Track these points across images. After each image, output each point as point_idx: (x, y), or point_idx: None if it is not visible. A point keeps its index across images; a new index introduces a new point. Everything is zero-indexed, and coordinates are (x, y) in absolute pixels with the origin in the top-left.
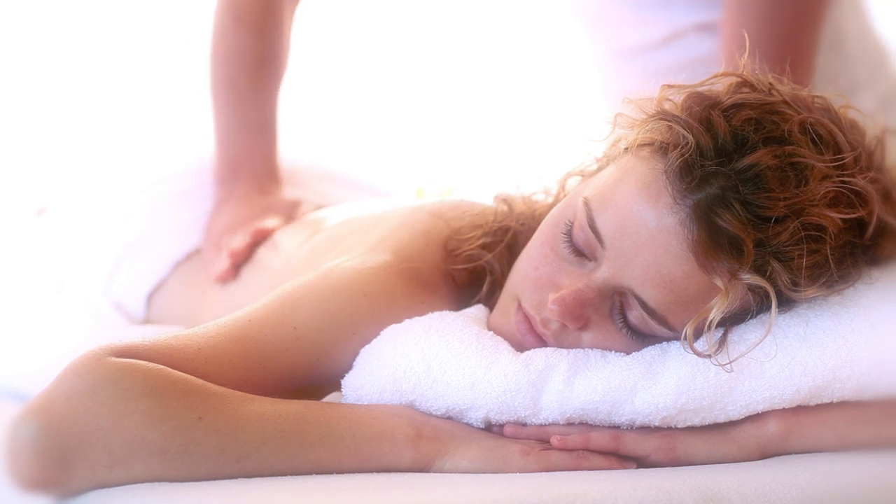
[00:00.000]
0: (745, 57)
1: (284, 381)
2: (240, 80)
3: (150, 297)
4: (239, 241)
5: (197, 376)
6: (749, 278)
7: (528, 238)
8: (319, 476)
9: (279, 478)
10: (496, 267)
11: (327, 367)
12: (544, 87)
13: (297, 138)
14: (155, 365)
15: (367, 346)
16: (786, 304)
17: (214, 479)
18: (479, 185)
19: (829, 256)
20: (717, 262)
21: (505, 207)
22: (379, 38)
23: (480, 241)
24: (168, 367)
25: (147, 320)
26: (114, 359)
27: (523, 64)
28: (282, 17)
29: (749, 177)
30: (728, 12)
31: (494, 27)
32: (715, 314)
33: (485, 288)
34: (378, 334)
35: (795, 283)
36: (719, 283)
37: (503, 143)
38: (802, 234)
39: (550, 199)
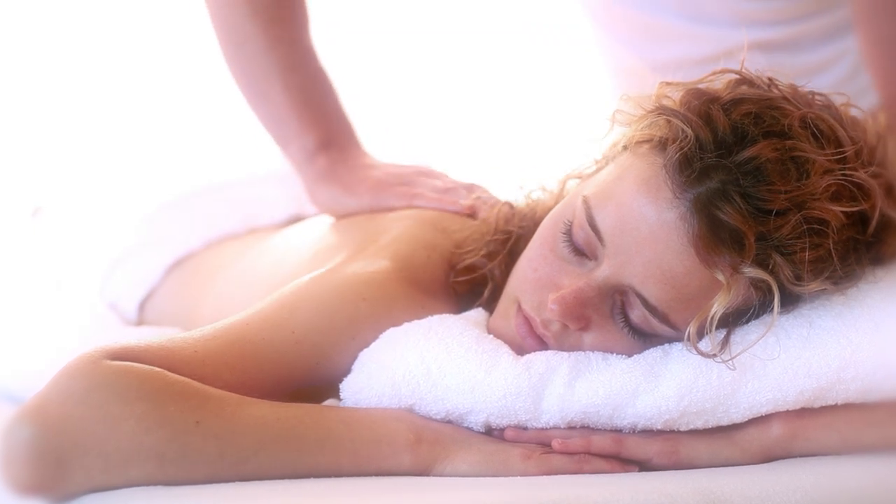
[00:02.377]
0: (745, 54)
1: (282, 385)
2: (258, 41)
3: (144, 302)
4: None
5: (194, 379)
6: (751, 272)
7: (528, 241)
8: (318, 480)
9: (278, 481)
10: (497, 272)
11: (326, 371)
12: (546, 88)
13: None
14: (151, 368)
15: (365, 350)
16: (789, 300)
17: (212, 483)
18: (478, 184)
19: (832, 251)
20: (719, 257)
21: (507, 209)
22: (379, 37)
23: (483, 252)
24: (164, 369)
25: (140, 324)
26: (109, 361)
27: (525, 64)
28: None
29: (749, 169)
30: (857, 8)
31: (495, 26)
32: (717, 309)
33: (486, 293)
34: (377, 338)
35: (798, 277)
36: (721, 277)
37: (505, 142)
38: (804, 227)
39: (551, 202)
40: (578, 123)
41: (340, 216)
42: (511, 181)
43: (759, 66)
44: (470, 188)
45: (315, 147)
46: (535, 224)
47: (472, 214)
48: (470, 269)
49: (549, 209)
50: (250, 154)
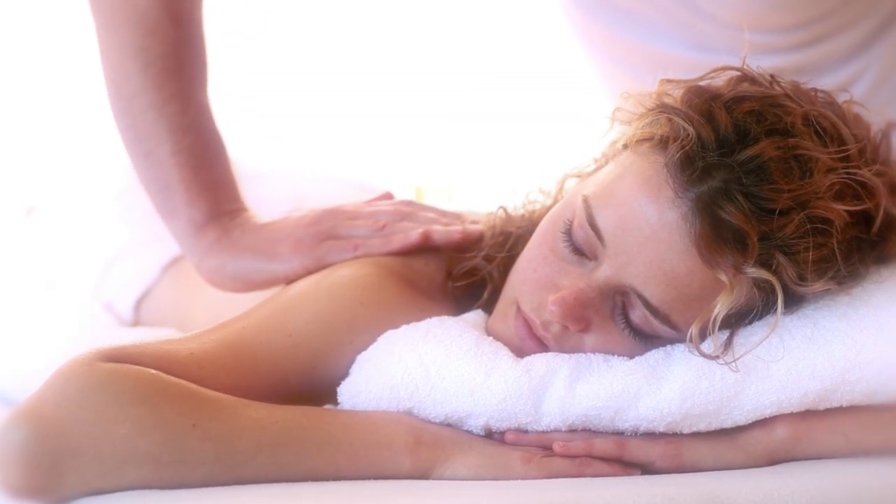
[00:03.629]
0: (746, 51)
1: (279, 388)
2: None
3: (140, 302)
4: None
5: (190, 382)
6: (754, 272)
7: (526, 241)
8: (316, 483)
9: (275, 485)
10: (495, 274)
11: (323, 374)
12: (545, 86)
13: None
14: (147, 370)
15: (363, 353)
16: (792, 300)
17: (209, 486)
18: (479, 184)
19: (836, 250)
20: (721, 257)
21: (502, 213)
22: (379, 36)
23: (481, 254)
24: (161, 371)
25: (136, 324)
26: (104, 363)
27: (524, 63)
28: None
29: (752, 168)
30: None
31: (495, 25)
32: (720, 310)
33: (485, 295)
34: (376, 340)
35: (802, 277)
36: (723, 277)
37: (503, 141)
38: (808, 226)
39: (549, 202)
40: (575, 124)
41: (260, 287)
42: (508, 184)
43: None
44: (398, 213)
45: (204, 219)
46: (534, 224)
47: (427, 241)
48: (468, 272)
49: (548, 209)
50: (246, 152)
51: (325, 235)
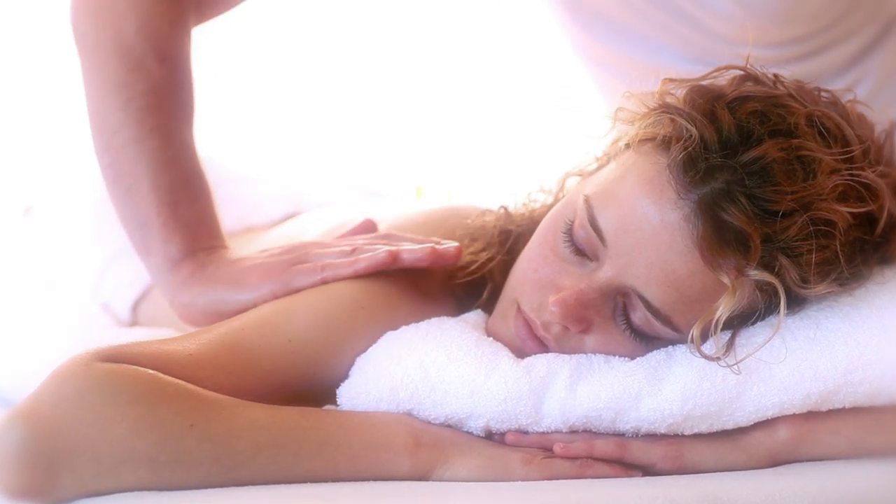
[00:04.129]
0: (749, 49)
1: (279, 390)
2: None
3: (138, 303)
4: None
5: (189, 382)
6: (756, 275)
7: (527, 240)
8: (315, 485)
9: (274, 486)
10: (495, 272)
11: (323, 377)
12: (544, 85)
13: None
14: (145, 370)
15: (363, 355)
16: (795, 302)
17: (208, 488)
18: (478, 184)
19: (839, 252)
20: (723, 259)
21: (503, 212)
22: (378, 36)
23: (482, 253)
24: (159, 372)
25: (134, 324)
26: (102, 363)
27: (523, 63)
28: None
29: (755, 170)
30: None
31: (494, 25)
32: (721, 313)
33: (485, 294)
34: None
35: (804, 280)
36: (726, 280)
37: (502, 141)
38: (811, 228)
39: (549, 201)
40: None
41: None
42: (507, 185)
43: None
44: (373, 244)
45: (180, 255)
46: (534, 223)
47: (395, 261)
48: (468, 269)
49: (549, 208)
50: (245, 152)
51: (294, 262)
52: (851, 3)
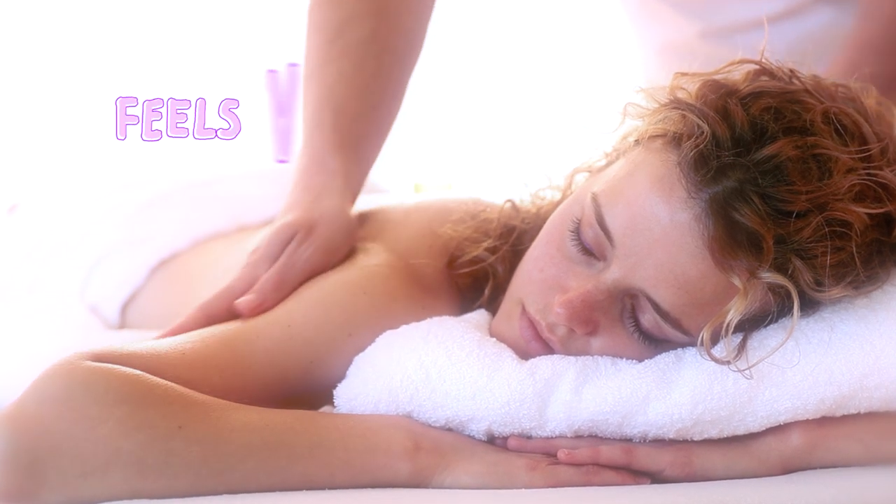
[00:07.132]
0: (764, 44)
1: (274, 388)
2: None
3: (127, 305)
4: None
5: (180, 383)
6: (769, 277)
7: (532, 238)
8: (309, 492)
9: (264, 494)
10: (499, 269)
11: (320, 372)
12: (544, 81)
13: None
14: (132, 370)
15: (361, 354)
16: (809, 305)
17: (196, 492)
18: (477, 181)
19: (855, 254)
20: (735, 260)
21: (509, 206)
22: None
23: (485, 245)
24: (148, 373)
25: (123, 327)
26: (90, 363)
27: (523, 61)
28: None
29: (769, 168)
30: None
31: (494, 24)
32: (733, 316)
33: (487, 291)
34: (374, 339)
35: (819, 283)
36: (737, 282)
37: (502, 137)
38: (826, 230)
39: (556, 197)
40: (574, 122)
41: None
42: (515, 178)
43: (829, 20)
44: None
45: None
46: (540, 219)
47: None
48: (472, 262)
49: (556, 204)
50: (237, 150)
51: None
52: None
